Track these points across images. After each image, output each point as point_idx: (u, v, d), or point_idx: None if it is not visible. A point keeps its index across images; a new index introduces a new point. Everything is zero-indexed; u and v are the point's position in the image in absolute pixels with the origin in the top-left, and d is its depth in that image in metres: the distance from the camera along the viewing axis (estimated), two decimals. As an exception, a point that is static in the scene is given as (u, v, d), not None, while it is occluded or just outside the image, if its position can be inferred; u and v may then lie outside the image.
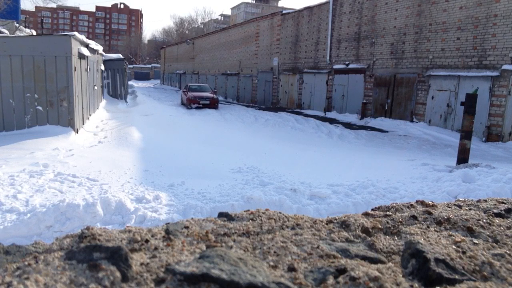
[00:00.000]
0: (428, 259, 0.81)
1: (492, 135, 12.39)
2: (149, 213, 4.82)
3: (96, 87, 15.39)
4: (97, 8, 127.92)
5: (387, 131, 14.40)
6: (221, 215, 1.06)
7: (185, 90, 23.84)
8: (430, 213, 1.10)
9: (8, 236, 4.09)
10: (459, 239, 0.94)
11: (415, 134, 13.60)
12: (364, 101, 18.06)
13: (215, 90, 25.59)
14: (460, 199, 1.29)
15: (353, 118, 18.02)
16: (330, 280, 0.74)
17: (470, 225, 1.02)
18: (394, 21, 16.43)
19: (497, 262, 0.83)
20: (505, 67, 11.97)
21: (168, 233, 0.90)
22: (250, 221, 1.01)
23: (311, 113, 20.60)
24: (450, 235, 0.97)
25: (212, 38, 37.43)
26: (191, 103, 20.99)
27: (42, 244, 0.85)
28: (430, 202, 1.21)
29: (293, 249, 0.85)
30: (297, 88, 23.43)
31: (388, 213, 1.12)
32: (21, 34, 16.89)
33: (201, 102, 20.97)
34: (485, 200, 1.25)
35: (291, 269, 0.77)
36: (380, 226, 1.01)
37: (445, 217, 1.07)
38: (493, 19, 12.41)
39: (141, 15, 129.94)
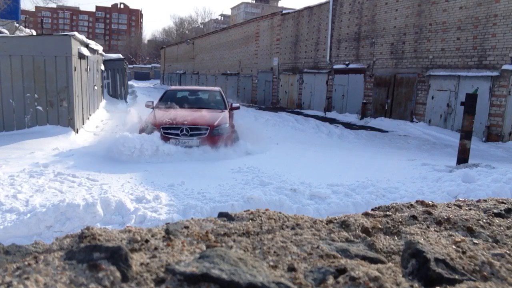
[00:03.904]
0: (428, 259, 0.81)
1: (492, 135, 12.38)
2: (149, 213, 4.81)
3: (96, 87, 15.39)
4: (97, 8, 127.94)
5: (387, 131, 14.39)
6: (221, 215, 1.06)
7: (149, 104, 10.01)
8: (430, 213, 1.10)
9: (8, 236, 4.08)
10: (459, 239, 0.94)
11: (415, 134, 13.59)
12: (364, 101, 18.06)
13: (235, 105, 10.28)
14: (460, 199, 1.29)
15: (353, 118, 18.02)
16: (330, 280, 0.74)
17: (470, 225, 1.02)
18: (394, 21, 16.43)
19: (497, 262, 0.83)
20: (505, 67, 11.96)
21: (168, 233, 0.90)
22: (250, 221, 1.01)
23: (311, 113, 20.59)
24: (450, 235, 0.97)
25: (212, 38, 37.43)
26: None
27: (42, 244, 0.85)
28: (430, 202, 1.21)
29: (293, 249, 0.85)
30: (297, 88, 23.43)
31: (388, 213, 1.12)
32: (21, 34, 16.89)
33: (174, 140, 8.16)
34: (485, 200, 1.25)
35: (291, 269, 0.77)
36: (380, 226, 1.01)
37: (445, 217, 1.07)
38: (493, 19, 12.40)
39: (141, 15, 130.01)
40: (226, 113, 9.23)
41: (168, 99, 9.85)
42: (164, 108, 9.28)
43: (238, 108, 10.23)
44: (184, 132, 8.12)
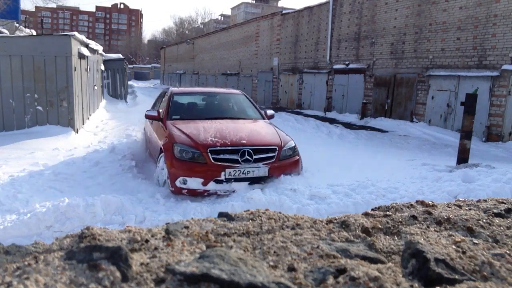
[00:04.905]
0: (428, 259, 0.81)
1: (492, 135, 12.38)
2: (149, 213, 4.81)
3: (96, 87, 15.40)
4: (97, 8, 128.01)
5: (387, 131, 14.39)
6: (221, 215, 1.06)
7: (153, 114, 6.89)
8: (430, 213, 1.10)
9: (8, 236, 4.08)
10: (459, 239, 0.93)
11: (415, 134, 13.59)
12: (364, 101, 18.06)
13: (270, 113, 7.48)
14: (460, 199, 1.29)
15: (353, 118, 18.02)
16: (330, 280, 0.74)
17: (470, 225, 1.02)
18: (394, 21, 16.43)
19: (497, 262, 0.83)
20: (505, 67, 11.96)
21: (168, 233, 0.90)
22: (250, 221, 1.01)
23: (311, 113, 20.58)
24: (450, 235, 0.96)
25: (212, 38, 37.44)
26: (173, 180, 5.41)
27: (42, 244, 0.85)
28: (430, 202, 1.21)
29: (293, 249, 0.85)
30: (297, 88, 23.43)
31: (388, 213, 1.12)
32: (21, 34, 16.89)
33: (232, 170, 5.39)
34: (485, 200, 1.25)
35: (291, 269, 0.77)
36: (380, 226, 1.01)
37: (445, 217, 1.06)
38: (493, 19, 12.40)
39: (141, 15, 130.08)
40: (272, 125, 6.77)
41: (180, 107, 7.23)
42: (182, 121, 6.51)
43: (273, 116, 7.45)
44: (246, 156, 5.45)
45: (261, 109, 7.76)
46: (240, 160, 5.45)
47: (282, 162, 5.75)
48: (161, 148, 5.87)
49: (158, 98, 8.42)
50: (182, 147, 5.50)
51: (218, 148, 5.45)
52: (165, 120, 6.58)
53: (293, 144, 6.06)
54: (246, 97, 7.98)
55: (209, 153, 5.40)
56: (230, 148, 5.48)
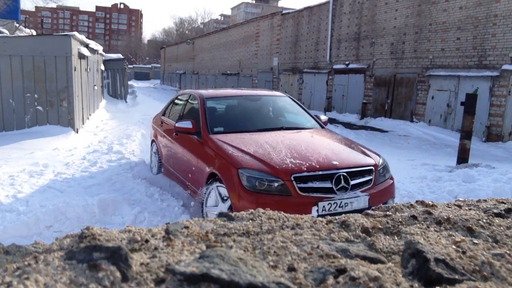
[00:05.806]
0: (428, 259, 0.81)
1: (492, 135, 12.38)
2: (149, 213, 4.82)
3: (96, 87, 15.40)
4: (97, 8, 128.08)
5: (387, 131, 14.39)
6: (221, 215, 1.06)
7: (186, 126, 5.15)
8: (430, 213, 1.10)
9: (8, 236, 4.08)
10: (459, 239, 0.93)
11: (415, 134, 13.59)
12: (364, 101, 18.06)
13: (324, 119, 6.12)
14: (460, 199, 1.29)
15: (353, 118, 18.02)
16: (330, 280, 0.74)
17: (470, 225, 1.02)
18: (394, 21, 16.43)
19: (497, 262, 0.83)
20: (505, 67, 11.97)
21: (168, 233, 0.90)
22: (250, 221, 1.01)
23: (311, 113, 20.56)
24: (450, 235, 0.96)
25: (212, 38, 37.44)
26: None
27: (42, 244, 0.85)
28: (430, 202, 1.21)
29: (293, 249, 0.85)
30: (297, 88, 23.43)
31: (388, 213, 1.12)
32: (21, 34, 16.89)
33: (326, 203, 3.99)
34: (485, 200, 1.25)
35: (291, 269, 0.77)
36: (380, 226, 1.01)
37: (445, 217, 1.06)
38: (493, 19, 12.41)
39: (141, 15, 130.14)
40: (343, 136, 5.65)
41: (219, 116, 5.66)
42: (230, 134, 4.97)
43: (327, 122, 6.20)
44: (343, 183, 4.11)
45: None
46: (335, 188, 4.07)
47: (378, 186, 4.39)
48: (211, 175, 4.50)
49: (171, 103, 7.00)
50: (253, 174, 4.06)
51: (305, 174, 4.05)
52: (206, 134, 4.98)
53: (385, 162, 4.68)
54: (293, 100, 6.46)
55: (293, 182, 4.00)
56: (320, 173, 4.09)
